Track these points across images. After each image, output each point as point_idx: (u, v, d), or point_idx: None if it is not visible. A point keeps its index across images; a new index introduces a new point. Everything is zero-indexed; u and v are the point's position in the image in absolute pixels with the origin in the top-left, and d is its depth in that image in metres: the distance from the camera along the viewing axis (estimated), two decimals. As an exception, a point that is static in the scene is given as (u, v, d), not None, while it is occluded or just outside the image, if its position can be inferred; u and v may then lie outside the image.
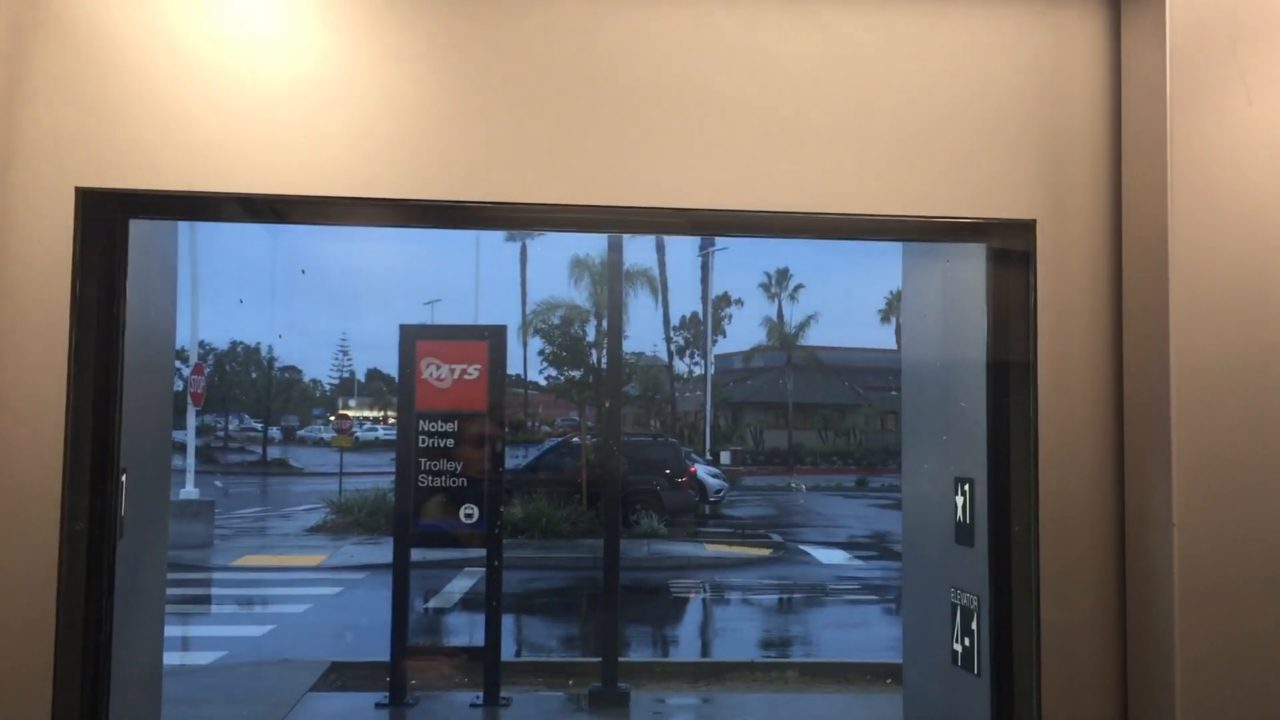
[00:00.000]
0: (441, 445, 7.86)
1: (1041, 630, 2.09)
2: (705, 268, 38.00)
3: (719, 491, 23.87)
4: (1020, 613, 2.17)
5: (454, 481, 7.84)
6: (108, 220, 2.05)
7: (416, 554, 8.23)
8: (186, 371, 21.07)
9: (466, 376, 7.91)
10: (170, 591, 2.86)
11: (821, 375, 38.21)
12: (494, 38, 2.10)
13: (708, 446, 32.04)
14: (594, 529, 16.60)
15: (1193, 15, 1.98)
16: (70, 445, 1.95)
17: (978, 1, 2.16)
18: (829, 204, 2.12)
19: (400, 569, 7.96)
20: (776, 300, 41.20)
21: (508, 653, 10.17)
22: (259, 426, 37.93)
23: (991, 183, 2.14)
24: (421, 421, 7.86)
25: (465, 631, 11.66)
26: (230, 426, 38.17)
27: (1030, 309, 2.14)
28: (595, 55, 2.11)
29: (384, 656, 7.98)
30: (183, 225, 2.64)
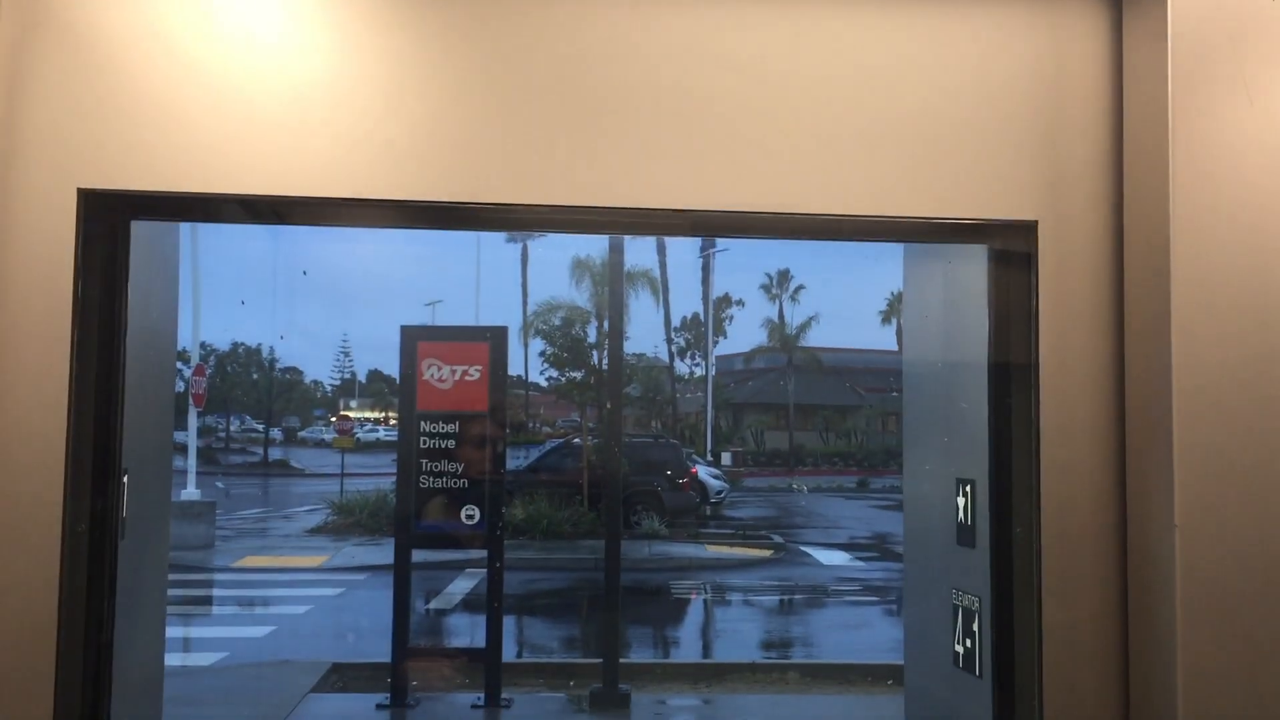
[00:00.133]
0: (443, 446, 7.86)
1: (1043, 632, 2.09)
2: (706, 269, 38.00)
3: (720, 493, 23.86)
4: (1022, 614, 2.17)
5: (455, 482, 7.84)
6: (109, 221, 2.05)
7: (418, 555, 8.23)
8: (188, 372, 21.09)
9: (468, 377, 7.90)
10: (171, 592, 2.86)
11: (822, 376, 38.21)
12: (494, 40, 2.10)
13: (709, 448, 32.04)
14: (595, 530, 16.59)
15: (1194, 18, 1.98)
16: (72, 446, 1.95)
17: (980, 5, 2.16)
18: (830, 205, 2.12)
19: (401, 570, 7.96)
20: (777, 301, 41.20)
21: (509, 654, 10.16)
22: (260, 428, 37.95)
23: (993, 184, 2.14)
24: (422, 422, 7.86)
25: (466, 633, 11.66)
26: (232, 428, 38.19)
27: (1032, 310, 2.14)
28: (597, 58, 2.11)
29: (385, 658, 7.98)
30: (184, 226, 2.64)
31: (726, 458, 32.20)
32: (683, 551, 17.72)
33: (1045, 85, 2.16)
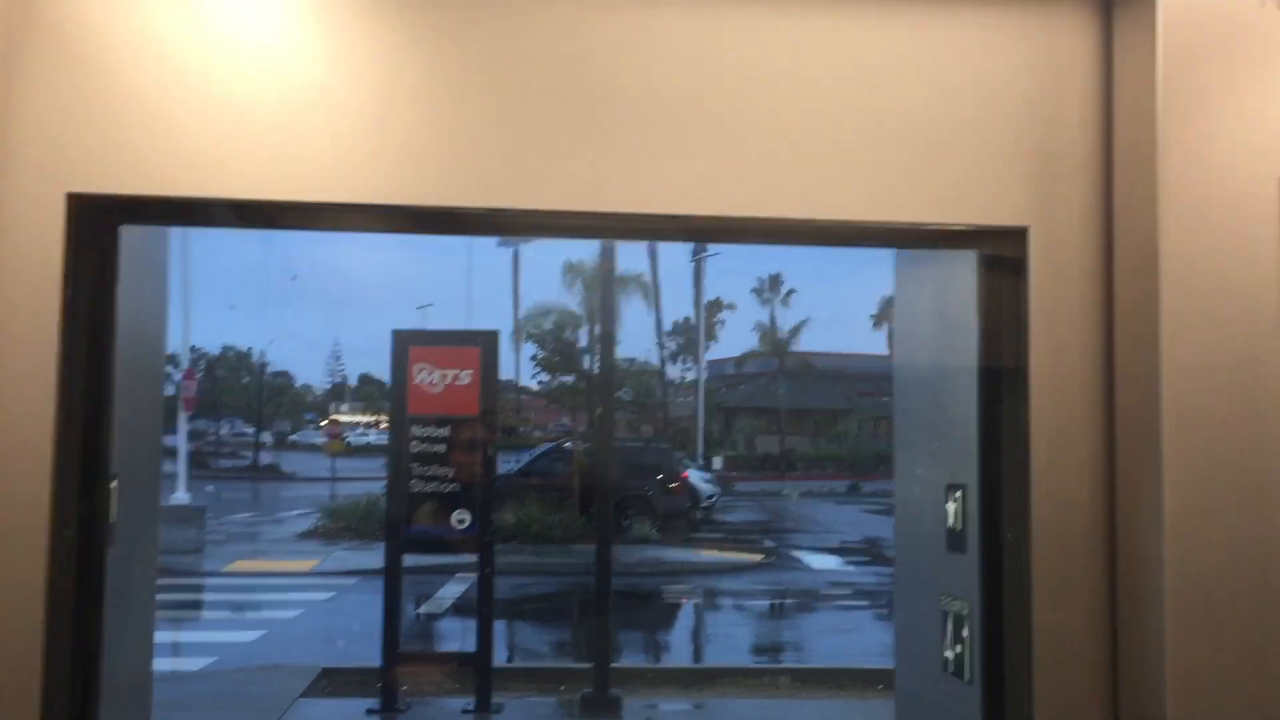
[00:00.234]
0: (433, 450, 7.85)
1: (1033, 638, 2.09)
2: (698, 273, 38.07)
3: (711, 497, 23.89)
4: (1012, 620, 2.17)
5: (446, 487, 7.84)
6: (98, 226, 2.04)
7: (409, 559, 8.22)
8: (178, 376, 21.04)
9: (459, 381, 7.90)
10: (161, 597, 2.85)
11: (814, 380, 38.28)
12: (488, 44, 2.10)
13: (700, 452, 32.07)
14: (586, 534, 16.58)
15: (1183, 25, 1.99)
16: (60, 451, 1.95)
17: (971, 9, 2.17)
18: (821, 210, 2.12)
19: (392, 574, 7.95)
20: (769, 305, 41.28)
21: (499, 658, 10.15)
22: (251, 431, 37.88)
23: (984, 190, 2.15)
24: (414, 427, 7.86)
25: (457, 637, 11.64)
26: (222, 432, 38.11)
27: (1022, 315, 2.15)
28: (589, 62, 2.11)
29: (375, 662, 7.97)
30: (175, 230, 2.64)
31: (718, 462, 32.23)
32: (674, 556, 17.73)
33: (1036, 91, 2.17)
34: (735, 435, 37.31)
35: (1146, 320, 2.00)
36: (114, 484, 2.13)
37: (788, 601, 14.90)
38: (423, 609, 12.66)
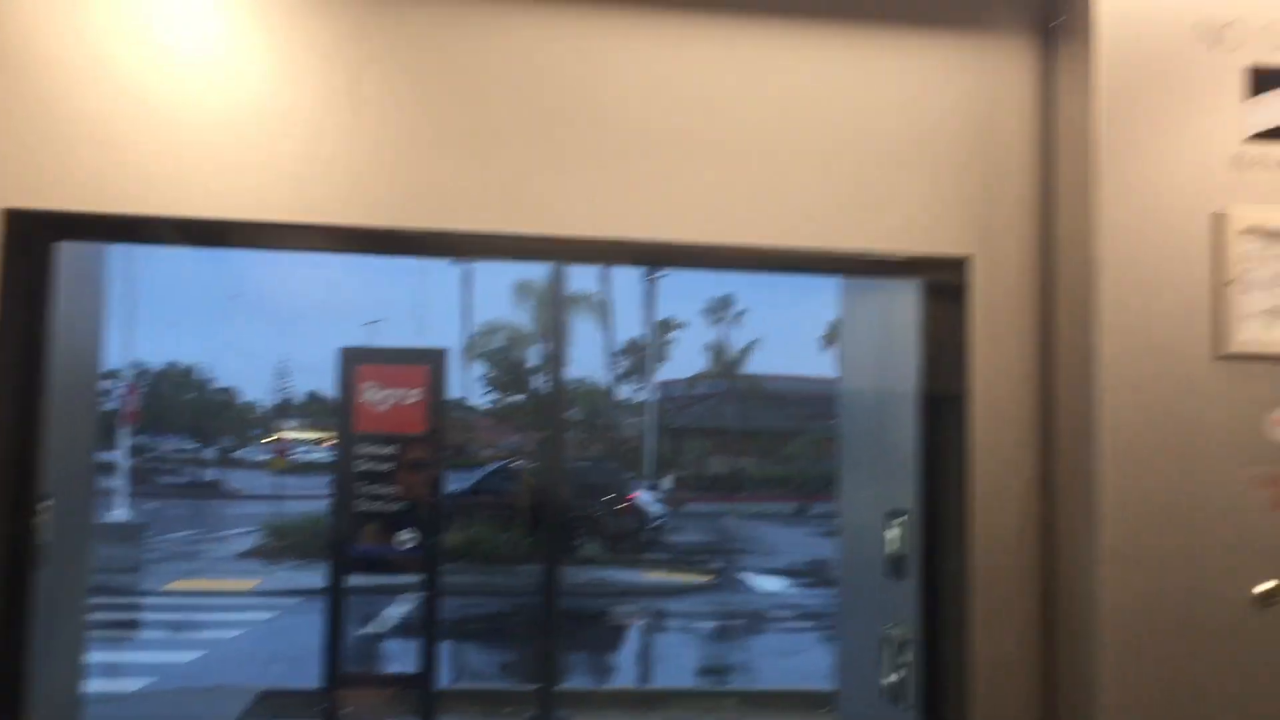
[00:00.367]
0: (380, 469, 7.77)
1: (971, 666, 2.11)
2: (650, 293, 38.16)
3: (659, 518, 23.86)
4: (951, 647, 2.19)
5: (392, 505, 7.75)
6: (35, 241, 2.00)
7: (353, 579, 8.12)
8: (119, 392, 20.68)
9: (407, 400, 7.84)
10: (98, 617, 2.80)
11: (763, 402, 38.42)
12: (439, 67, 2.09)
13: (650, 472, 32.04)
14: (534, 554, 16.50)
15: (1121, 60, 2.03)
16: None
17: (913, 39, 2.20)
18: (765, 237, 2.14)
19: (335, 594, 7.84)
20: (720, 326, 41.44)
21: (444, 680, 10.05)
22: (193, 448, 37.32)
23: (926, 219, 2.18)
24: (360, 444, 7.77)
25: (401, 658, 11.50)
26: (165, 448, 37.50)
27: (963, 344, 2.17)
28: (541, 86, 2.12)
29: (317, 684, 7.85)
30: (118, 246, 2.60)
31: (667, 482, 32.22)
32: (621, 577, 17.68)
33: (978, 122, 2.21)
34: (685, 456, 37.33)
35: (1084, 350, 2.03)
36: (47, 503, 2.09)
37: (734, 623, 14.90)
38: (367, 629, 12.50)
